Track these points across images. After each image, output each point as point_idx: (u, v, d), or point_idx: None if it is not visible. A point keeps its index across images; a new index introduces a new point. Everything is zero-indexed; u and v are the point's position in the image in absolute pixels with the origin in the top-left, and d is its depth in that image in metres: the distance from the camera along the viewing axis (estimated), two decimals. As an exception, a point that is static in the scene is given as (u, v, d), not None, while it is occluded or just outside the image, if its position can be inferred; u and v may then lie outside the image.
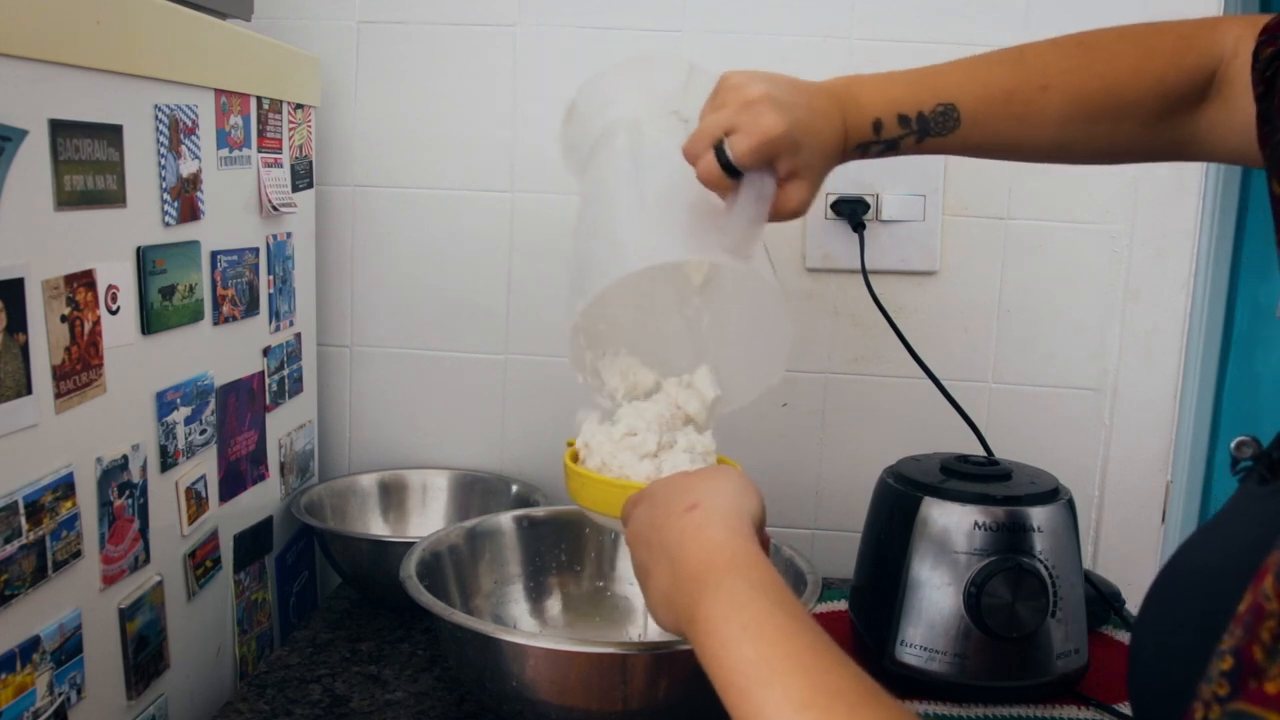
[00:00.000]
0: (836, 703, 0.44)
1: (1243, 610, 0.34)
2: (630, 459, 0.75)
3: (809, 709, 0.44)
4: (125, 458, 0.78)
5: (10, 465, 0.65)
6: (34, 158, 0.66)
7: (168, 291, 0.83)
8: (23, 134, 0.64)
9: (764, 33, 1.17)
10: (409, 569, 0.83)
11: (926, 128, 0.72)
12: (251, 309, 1.00)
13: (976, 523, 0.88)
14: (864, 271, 1.13)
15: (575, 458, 0.78)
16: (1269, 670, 0.31)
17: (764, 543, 0.63)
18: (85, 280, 0.72)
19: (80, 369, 0.71)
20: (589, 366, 0.81)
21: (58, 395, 0.69)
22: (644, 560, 0.62)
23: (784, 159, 0.68)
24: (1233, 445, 0.79)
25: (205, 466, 0.91)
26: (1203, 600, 0.49)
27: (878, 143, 0.73)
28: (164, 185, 0.82)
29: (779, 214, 0.71)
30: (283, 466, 1.11)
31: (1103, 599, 1.03)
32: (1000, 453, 1.02)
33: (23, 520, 0.66)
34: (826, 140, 0.71)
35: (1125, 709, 0.89)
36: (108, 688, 0.77)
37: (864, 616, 0.98)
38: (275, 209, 1.03)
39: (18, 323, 0.65)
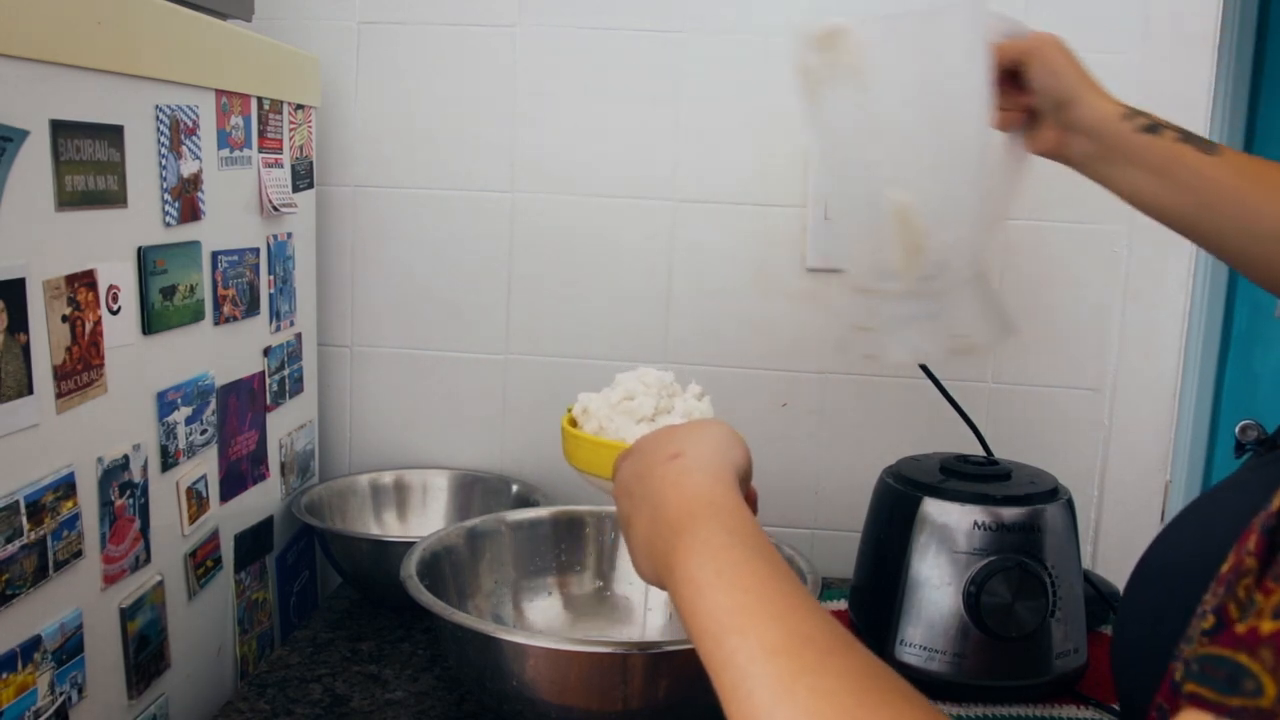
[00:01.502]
0: (808, 649, 0.43)
1: (1225, 570, 0.34)
2: (626, 423, 0.75)
3: (780, 655, 0.43)
4: (126, 457, 0.78)
5: (11, 465, 0.65)
6: (35, 158, 0.66)
7: (168, 291, 0.83)
8: (24, 134, 0.64)
9: (764, 34, 1.17)
10: (409, 569, 0.83)
11: (1189, 134, 0.76)
12: (252, 309, 1.00)
13: (976, 522, 0.89)
14: (864, 271, 1.13)
15: (574, 424, 0.79)
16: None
17: (750, 498, 0.63)
18: (86, 280, 0.72)
19: (81, 369, 0.72)
20: None
21: (59, 395, 0.69)
22: (626, 511, 0.62)
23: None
24: (1237, 429, 0.79)
25: (206, 466, 0.91)
26: (1191, 584, 0.49)
27: (1140, 115, 0.76)
28: (165, 185, 0.82)
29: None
30: (283, 466, 1.11)
31: (1102, 598, 1.03)
32: (1000, 453, 1.02)
33: (24, 520, 0.66)
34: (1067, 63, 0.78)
35: (1124, 708, 0.89)
36: (108, 687, 0.77)
37: (864, 616, 0.98)
38: (276, 209, 1.03)
39: (19, 323, 0.65)
